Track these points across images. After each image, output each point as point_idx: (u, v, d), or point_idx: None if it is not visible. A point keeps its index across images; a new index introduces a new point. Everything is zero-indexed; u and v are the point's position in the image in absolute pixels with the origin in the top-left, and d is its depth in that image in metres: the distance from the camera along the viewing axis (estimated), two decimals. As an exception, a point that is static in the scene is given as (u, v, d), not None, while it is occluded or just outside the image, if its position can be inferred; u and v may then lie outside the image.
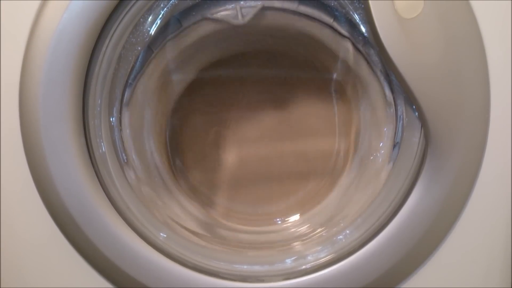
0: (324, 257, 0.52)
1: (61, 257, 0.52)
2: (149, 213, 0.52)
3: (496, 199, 0.51)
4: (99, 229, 0.49)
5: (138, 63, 0.53)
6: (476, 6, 0.48)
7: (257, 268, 0.53)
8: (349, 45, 0.56)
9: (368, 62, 0.56)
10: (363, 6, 0.50)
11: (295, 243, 0.56)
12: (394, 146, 0.55)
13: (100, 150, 0.50)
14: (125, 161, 0.53)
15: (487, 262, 0.53)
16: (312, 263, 0.52)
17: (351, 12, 0.52)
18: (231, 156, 0.70)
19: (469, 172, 0.50)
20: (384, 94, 0.56)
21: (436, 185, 0.50)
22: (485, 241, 0.52)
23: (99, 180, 0.50)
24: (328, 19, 0.55)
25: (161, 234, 0.52)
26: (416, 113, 0.50)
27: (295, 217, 0.64)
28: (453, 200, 0.50)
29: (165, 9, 0.51)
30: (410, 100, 0.49)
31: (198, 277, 0.51)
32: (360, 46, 0.55)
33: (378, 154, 0.57)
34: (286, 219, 0.64)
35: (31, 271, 0.53)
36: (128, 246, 0.50)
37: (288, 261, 0.53)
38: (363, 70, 0.57)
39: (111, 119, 0.52)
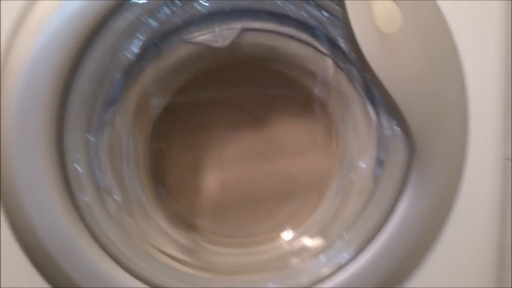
0: (318, 272, 0.51)
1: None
2: (131, 242, 0.51)
3: (480, 203, 0.53)
4: (77, 262, 0.47)
5: (115, 88, 0.52)
6: (450, 19, 0.50)
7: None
8: (329, 63, 0.56)
9: (349, 79, 0.57)
10: (343, 23, 0.50)
11: (286, 261, 0.55)
12: (379, 160, 0.55)
13: (78, 178, 0.48)
14: (104, 188, 0.51)
15: (476, 265, 0.54)
16: (306, 279, 0.51)
17: (331, 30, 0.52)
18: (212, 180, 0.69)
19: (453, 178, 0.52)
20: (367, 110, 0.56)
21: (423, 194, 0.50)
22: (473, 244, 0.53)
23: (76, 211, 0.48)
24: (309, 38, 0.55)
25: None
26: (400, 127, 0.51)
27: (284, 235, 0.63)
28: (440, 207, 0.51)
29: (145, 34, 0.50)
30: (394, 113, 0.50)
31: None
32: (340, 63, 0.56)
33: (363, 170, 0.57)
34: (273, 239, 0.63)
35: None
36: (111, 279, 0.48)
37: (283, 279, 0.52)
38: (345, 86, 0.57)
39: (88, 145, 0.50)
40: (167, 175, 0.67)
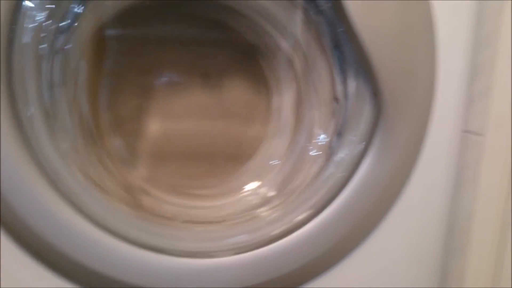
0: (277, 229, 0.50)
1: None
2: (74, 173, 0.47)
3: (436, 171, 0.54)
4: (28, 200, 0.42)
5: (70, 12, 0.47)
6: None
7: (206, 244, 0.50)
8: (299, 13, 0.55)
9: (317, 33, 0.55)
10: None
11: (243, 217, 0.54)
12: (342, 121, 0.55)
13: (27, 102, 0.44)
14: (54, 116, 0.47)
15: (428, 230, 0.55)
16: (265, 236, 0.50)
17: (307, -24, 0.51)
18: (156, 127, 0.65)
19: (416, 143, 0.52)
20: (331, 68, 0.56)
21: (387, 154, 0.50)
22: (426, 211, 0.54)
23: (25, 143, 0.43)
24: (282, -17, 0.53)
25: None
26: (368, 85, 0.51)
27: (244, 189, 0.61)
28: (400, 171, 0.52)
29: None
30: (366, 68, 0.50)
31: (143, 254, 0.47)
32: (311, 14, 0.55)
33: (325, 132, 0.57)
34: (229, 193, 0.61)
35: None
36: (62, 220, 0.44)
37: (237, 236, 0.51)
38: (312, 41, 0.56)
39: (40, 72, 0.45)
40: (114, 113, 0.63)
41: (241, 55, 0.67)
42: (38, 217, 0.43)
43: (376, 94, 0.50)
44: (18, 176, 0.42)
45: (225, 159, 0.67)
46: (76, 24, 0.48)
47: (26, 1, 0.42)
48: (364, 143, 0.51)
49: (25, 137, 0.43)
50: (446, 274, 0.56)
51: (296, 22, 0.56)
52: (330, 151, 0.55)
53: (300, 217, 0.51)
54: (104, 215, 0.46)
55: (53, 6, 0.44)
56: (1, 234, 0.44)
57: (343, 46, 0.53)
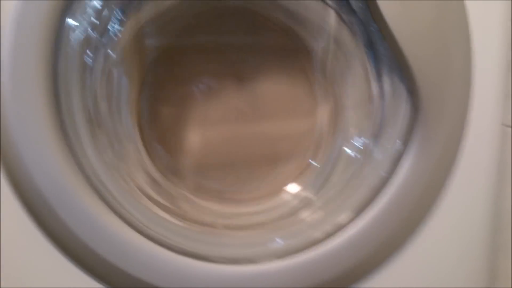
0: (320, 231, 0.50)
1: (28, 242, 0.46)
2: (122, 185, 0.48)
3: (478, 167, 0.53)
4: (70, 205, 0.44)
5: (113, 25, 0.48)
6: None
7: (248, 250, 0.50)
8: (332, 14, 0.55)
9: (351, 33, 0.55)
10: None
11: (284, 221, 0.54)
12: (379, 121, 0.55)
13: (73, 116, 0.45)
14: (98, 125, 0.48)
15: (472, 230, 0.54)
16: (307, 239, 0.50)
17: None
18: (194, 135, 0.67)
19: (455, 141, 0.51)
20: (367, 67, 0.55)
21: (427, 152, 0.50)
22: (470, 210, 0.53)
23: (71, 152, 0.44)
24: (313, -15, 0.53)
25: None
26: (404, 83, 0.50)
27: (283, 192, 0.62)
28: (441, 170, 0.51)
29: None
30: (401, 67, 0.49)
31: (186, 262, 0.48)
32: (344, 15, 0.54)
33: (362, 132, 0.57)
34: (265, 200, 0.62)
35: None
36: (107, 228, 0.45)
37: (279, 240, 0.51)
38: (346, 41, 0.56)
39: (84, 84, 0.47)
40: (155, 122, 0.64)
41: (275, 58, 0.67)
42: (82, 224, 0.44)
43: (412, 92, 0.49)
44: (63, 184, 0.44)
45: (264, 162, 0.67)
46: (118, 37, 0.50)
47: (69, 19, 0.44)
48: (402, 142, 0.51)
49: (71, 147, 0.45)
50: (495, 273, 0.55)
51: (328, 23, 0.56)
52: (368, 151, 0.55)
53: (341, 219, 0.51)
54: (147, 223, 0.47)
55: (97, 22, 0.46)
56: (47, 241, 0.46)
57: (377, 45, 0.53)
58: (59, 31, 0.43)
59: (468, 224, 0.53)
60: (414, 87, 0.49)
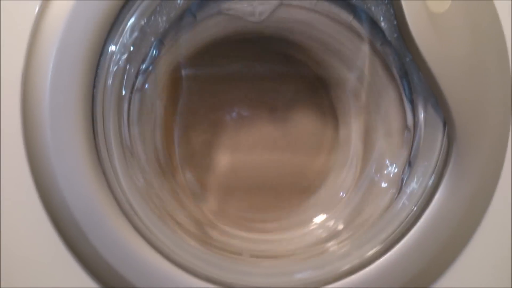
0: (347, 264, 0.49)
1: (59, 265, 0.47)
2: (154, 214, 0.49)
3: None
4: (103, 233, 0.45)
5: (149, 55, 0.50)
6: (498, 3, 0.48)
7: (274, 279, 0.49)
8: (366, 45, 0.55)
9: (385, 64, 0.55)
10: (386, 1, 0.49)
11: (311, 252, 0.53)
12: (413, 151, 0.54)
13: (108, 145, 0.47)
14: (131, 151, 0.50)
15: (508, 270, 0.51)
16: (335, 272, 0.49)
17: (373, 8, 0.50)
18: (224, 162, 0.67)
19: (493, 172, 0.49)
20: (401, 96, 0.55)
21: (462, 185, 0.48)
22: (507, 249, 0.51)
23: (105, 179, 0.46)
24: (347, 17, 0.53)
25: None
26: (439, 113, 0.49)
27: (312, 221, 0.61)
28: (478, 202, 0.49)
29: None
30: (436, 97, 0.48)
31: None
32: (377, 45, 0.54)
33: (394, 162, 0.56)
34: (289, 228, 0.61)
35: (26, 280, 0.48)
36: (136, 254, 0.46)
37: (305, 271, 0.50)
38: (380, 72, 0.56)
39: (120, 112, 0.48)
40: (185, 148, 0.66)
41: (307, 87, 0.67)
42: (110, 247, 0.45)
43: (447, 122, 0.48)
44: (94, 208, 0.45)
45: (293, 191, 0.67)
46: (153, 65, 0.51)
47: (110, 46, 0.46)
48: (437, 173, 0.50)
49: (104, 172, 0.46)
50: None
51: (362, 54, 0.56)
52: (401, 182, 0.54)
53: (370, 252, 0.50)
54: (173, 248, 0.48)
55: (135, 50, 0.48)
56: (75, 261, 0.47)
57: (411, 75, 0.52)
58: (100, 58, 0.45)
59: (502, 265, 0.51)
60: (450, 118, 0.48)
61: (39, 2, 0.44)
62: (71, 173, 0.44)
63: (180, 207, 0.55)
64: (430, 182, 0.50)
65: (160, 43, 0.51)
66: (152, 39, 0.49)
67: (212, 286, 0.47)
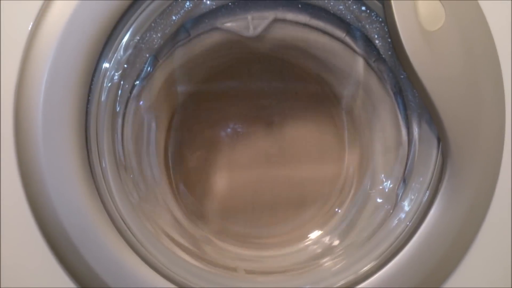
0: (342, 280, 0.49)
1: (52, 282, 0.47)
2: (146, 228, 0.48)
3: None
4: (95, 248, 0.45)
5: (144, 71, 0.50)
6: (491, 20, 0.48)
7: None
8: (360, 61, 0.55)
9: (379, 80, 0.55)
10: (381, 19, 0.49)
11: (307, 268, 0.53)
12: (407, 167, 0.54)
13: (101, 159, 0.47)
14: (125, 167, 0.50)
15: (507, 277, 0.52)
16: (330, 287, 0.49)
17: (367, 26, 0.51)
18: (221, 179, 0.67)
19: (488, 185, 0.49)
20: (396, 113, 0.55)
21: (457, 200, 0.48)
22: (502, 265, 0.51)
23: (98, 194, 0.46)
24: (340, 34, 0.54)
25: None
26: (433, 130, 0.50)
27: (308, 237, 0.61)
28: (473, 216, 0.49)
29: (177, 15, 0.48)
30: (430, 114, 0.48)
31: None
32: (372, 63, 0.54)
33: (389, 178, 0.56)
34: (288, 243, 0.61)
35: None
36: (129, 270, 0.45)
37: (302, 286, 0.50)
38: (374, 88, 0.56)
39: (113, 128, 0.48)
40: (181, 165, 0.65)
41: (303, 104, 0.67)
42: (103, 262, 0.45)
43: (441, 138, 0.49)
44: (87, 223, 0.44)
45: (288, 207, 0.67)
46: (148, 81, 0.51)
47: (104, 64, 0.46)
48: (431, 189, 0.50)
49: (97, 187, 0.46)
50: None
51: (357, 70, 0.56)
52: (396, 198, 0.54)
53: (365, 268, 0.49)
54: (167, 264, 0.47)
55: (126, 66, 0.47)
56: (68, 277, 0.46)
57: (406, 91, 0.52)
58: (93, 75, 0.45)
59: (498, 281, 0.51)
60: (444, 135, 0.48)
61: (33, 18, 0.44)
62: (64, 189, 0.44)
63: (174, 223, 0.55)
64: (425, 197, 0.50)
65: (155, 59, 0.51)
66: (147, 55, 0.49)
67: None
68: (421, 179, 0.51)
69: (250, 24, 0.52)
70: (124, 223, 0.47)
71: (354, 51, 0.55)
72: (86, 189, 0.45)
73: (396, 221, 0.52)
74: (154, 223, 0.50)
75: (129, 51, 0.47)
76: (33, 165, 0.44)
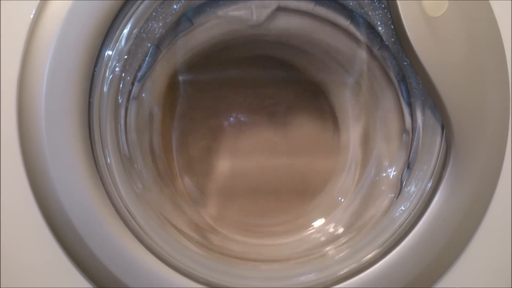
0: (346, 268, 0.49)
1: (57, 270, 0.47)
2: (152, 219, 0.49)
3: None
4: (101, 238, 0.45)
5: (146, 61, 0.50)
6: (495, 6, 0.48)
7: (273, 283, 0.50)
8: (364, 49, 0.55)
9: (383, 68, 0.55)
10: (383, 5, 0.49)
11: (310, 256, 0.53)
12: (411, 155, 0.54)
13: (105, 150, 0.47)
14: (129, 157, 0.50)
15: (508, 273, 0.51)
16: (333, 275, 0.49)
17: (370, 12, 0.50)
18: (224, 167, 0.67)
19: (492, 172, 0.49)
20: (399, 100, 0.55)
21: (461, 188, 0.48)
22: (506, 251, 0.51)
23: (102, 185, 0.46)
24: (344, 21, 0.53)
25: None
26: (437, 117, 0.49)
27: (312, 226, 0.61)
28: (477, 204, 0.49)
29: (178, 4, 0.48)
30: (434, 101, 0.48)
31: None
32: (375, 50, 0.54)
33: (393, 165, 0.55)
34: (294, 231, 0.61)
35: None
36: (135, 259, 0.46)
37: (304, 275, 0.50)
38: (378, 75, 0.56)
39: (117, 118, 0.48)
40: (184, 154, 0.66)
41: (306, 92, 0.67)
42: (108, 253, 0.45)
43: (445, 126, 0.48)
44: (92, 213, 0.45)
45: (293, 195, 0.67)
46: (150, 71, 0.51)
47: (106, 52, 0.46)
48: (435, 176, 0.50)
49: (101, 178, 0.46)
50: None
51: (360, 58, 0.56)
52: (399, 185, 0.54)
53: (369, 256, 0.49)
54: (173, 253, 0.48)
55: (128, 56, 0.48)
56: (74, 267, 0.47)
57: (409, 78, 0.52)
58: (96, 64, 0.45)
59: (501, 268, 0.51)
60: (448, 122, 0.47)
61: (35, 5, 0.44)
62: (69, 180, 0.44)
63: (179, 212, 0.55)
64: (429, 185, 0.50)
65: (157, 48, 0.51)
66: (149, 44, 0.49)
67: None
68: (425, 166, 0.51)
69: (253, 12, 0.52)
70: (129, 212, 0.47)
71: (358, 39, 0.54)
72: (90, 179, 0.45)
73: (399, 209, 0.52)
74: (158, 213, 0.51)
75: (131, 41, 0.47)
76: (37, 157, 0.44)
